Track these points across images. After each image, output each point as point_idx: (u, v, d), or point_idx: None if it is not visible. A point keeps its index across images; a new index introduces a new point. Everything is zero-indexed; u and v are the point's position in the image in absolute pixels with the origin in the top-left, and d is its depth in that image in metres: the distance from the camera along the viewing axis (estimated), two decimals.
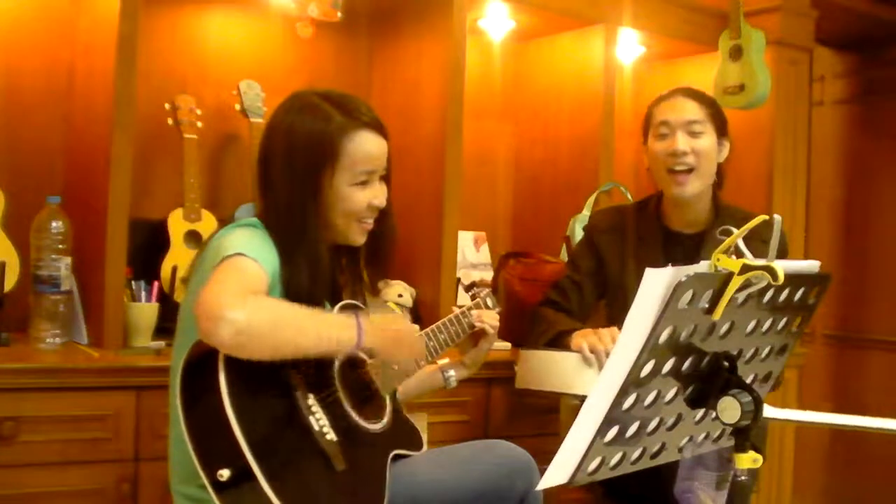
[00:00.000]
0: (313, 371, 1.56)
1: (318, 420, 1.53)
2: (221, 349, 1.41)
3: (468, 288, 2.10)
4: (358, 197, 1.69)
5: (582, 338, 2.20)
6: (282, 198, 1.66)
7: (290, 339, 1.45)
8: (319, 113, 1.67)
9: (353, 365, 1.70)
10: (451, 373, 2.03)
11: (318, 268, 1.65)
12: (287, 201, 1.65)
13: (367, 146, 1.68)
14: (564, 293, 2.42)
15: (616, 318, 2.37)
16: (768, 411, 1.72)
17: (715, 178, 2.31)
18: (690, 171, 2.24)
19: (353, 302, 1.77)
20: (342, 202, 1.68)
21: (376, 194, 1.72)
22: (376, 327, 1.58)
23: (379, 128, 1.72)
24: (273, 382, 1.49)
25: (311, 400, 1.54)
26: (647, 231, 2.35)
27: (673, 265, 2.34)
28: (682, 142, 2.24)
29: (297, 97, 1.73)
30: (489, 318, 2.03)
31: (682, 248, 2.29)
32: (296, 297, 1.57)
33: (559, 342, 2.28)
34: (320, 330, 1.51)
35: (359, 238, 1.74)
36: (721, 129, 2.30)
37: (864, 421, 1.94)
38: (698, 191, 2.26)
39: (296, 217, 1.65)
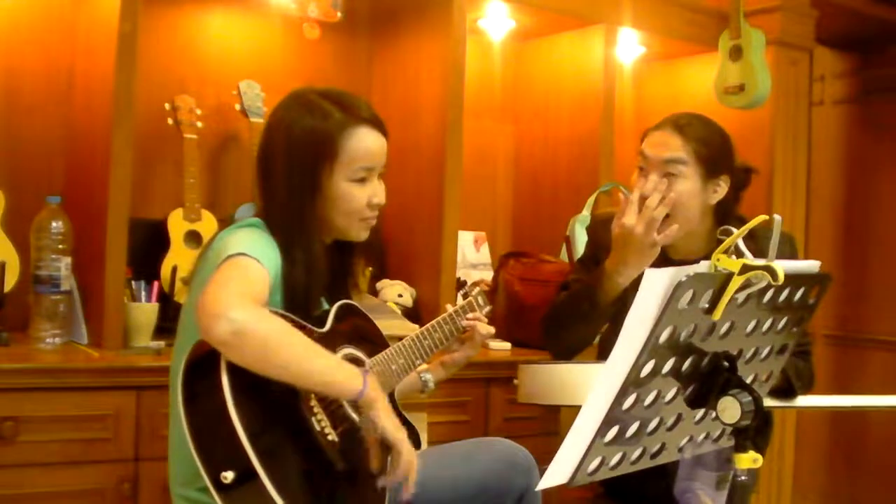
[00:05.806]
0: None
1: (320, 421, 1.53)
2: (216, 346, 1.40)
3: (459, 286, 2.08)
4: (357, 194, 1.68)
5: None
6: (281, 195, 1.66)
7: (288, 361, 1.43)
8: (318, 110, 1.66)
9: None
10: (428, 376, 1.98)
11: (316, 265, 1.64)
12: (286, 199, 1.65)
13: (365, 143, 1.67)
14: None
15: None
16: (769, 400, 1.71)
17: (712, 217, 2.02)
18: (665, 216, 1.91)
19: (350, 302, 1.77)
20: (342, 200, 1.67)
21: (376, 191, 1.71)
22: (378, 395, 1.52)
23: (378, 125, 1.70)
24: (275, 383, 1.48)
25: (313, 401, 1.54)
26: None
27: None
28: (651, 183, 1.93)
29: (296, 95, 1.72)
30: (483, 329, 1.94)
31: None
32: (293, 294, 1.57)
33: (593, 292, 2.03)
34: (324, 370, 1.48)
35: (362, 234, 1.74)
36: (711, 168, 1.97)
37: (863, 400, 1.94)
38: (678, 237, 1.94)
39: (294, 214, 1.64)
